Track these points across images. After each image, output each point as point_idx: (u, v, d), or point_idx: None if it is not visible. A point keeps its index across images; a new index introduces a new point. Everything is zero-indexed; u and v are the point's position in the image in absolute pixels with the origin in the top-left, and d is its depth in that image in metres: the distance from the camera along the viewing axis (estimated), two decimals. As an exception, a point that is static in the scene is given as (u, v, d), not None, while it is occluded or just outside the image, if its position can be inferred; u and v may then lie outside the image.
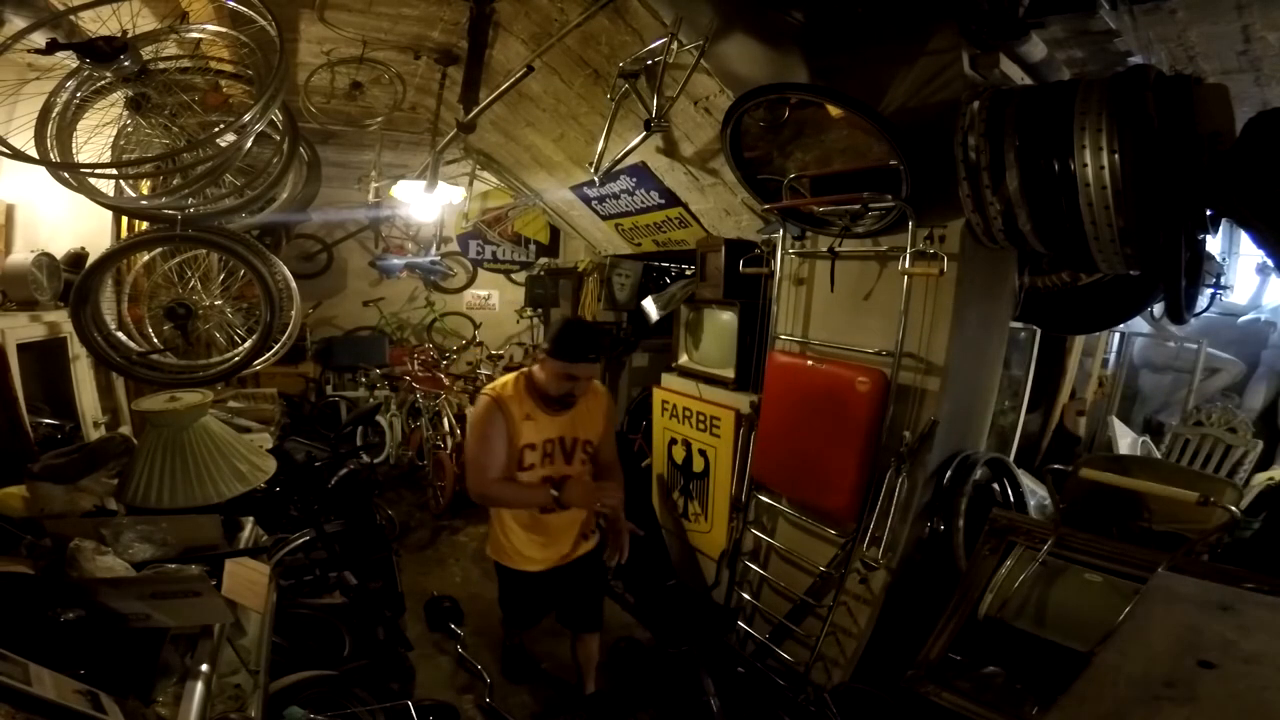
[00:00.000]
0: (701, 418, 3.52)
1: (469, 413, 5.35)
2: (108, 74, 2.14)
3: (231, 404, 4.00)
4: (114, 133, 2.33)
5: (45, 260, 3.04)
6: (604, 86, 3.42)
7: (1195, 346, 4.41)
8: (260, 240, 2.83)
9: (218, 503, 2.11)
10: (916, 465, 2.53)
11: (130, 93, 2.22)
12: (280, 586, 2.57)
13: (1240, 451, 3.74)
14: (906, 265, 2.41)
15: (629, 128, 3.44)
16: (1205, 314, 3.65)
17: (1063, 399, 4.17)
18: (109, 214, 3.41)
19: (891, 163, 2.34)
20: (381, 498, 4.89)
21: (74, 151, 2.27)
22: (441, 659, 3.24)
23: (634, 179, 4.34)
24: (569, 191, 5.17)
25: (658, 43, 2.85)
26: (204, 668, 1.47)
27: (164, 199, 2.38)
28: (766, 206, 2.85)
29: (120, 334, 2.64)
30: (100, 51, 2.01)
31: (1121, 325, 3.96)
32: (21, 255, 3.01)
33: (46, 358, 3.11)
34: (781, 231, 2.97)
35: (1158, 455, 3.94)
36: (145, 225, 2.80)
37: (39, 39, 2.08)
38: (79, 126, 2.29)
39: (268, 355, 2.75)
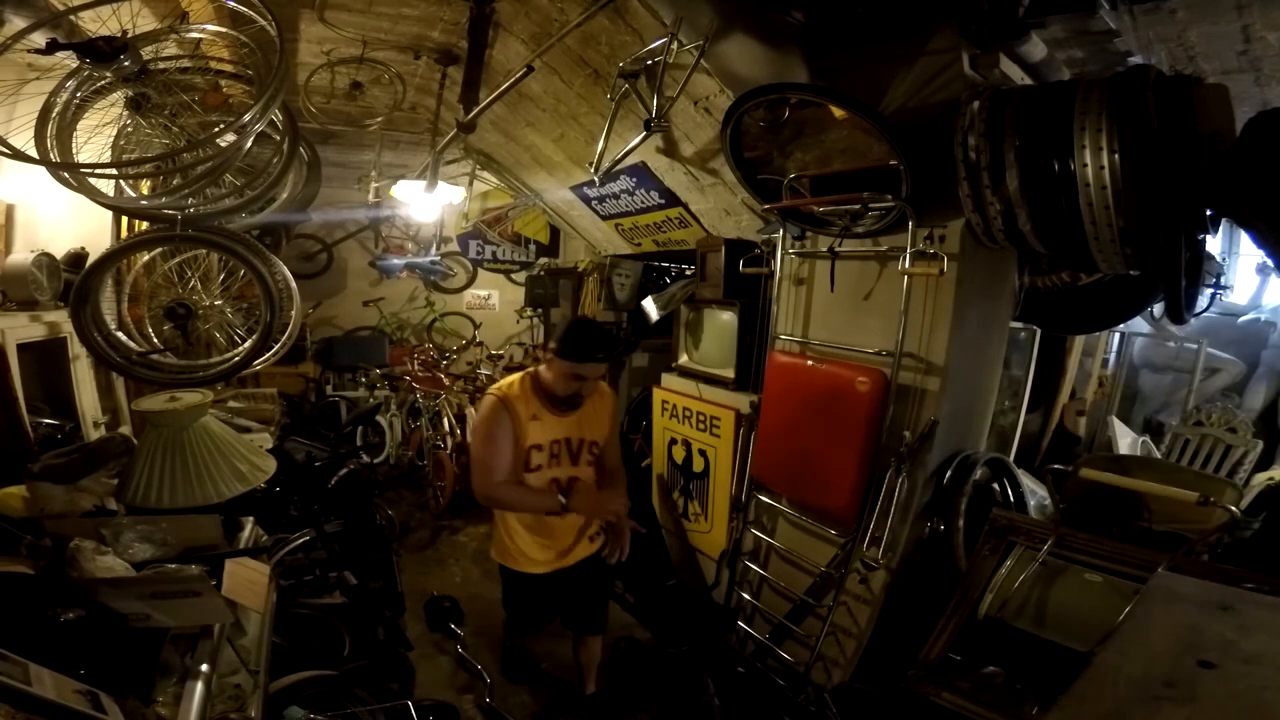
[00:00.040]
0: (701, 418, 3.52)
1: (469, 413, 5.42)
2: (108, 74, 2.14)
3: (231, 404, 4.00)
4: (114, 133, 2.33)
5: (45, 260, 3.04)
6: (604, 86, 3.42)
7: (1195, 346, 4.41)
8: (260, 240, 2.83)
9: (218, 503, 2.11)
10: (916, 465, 2.53)
11: (130, 93, 2.22)
12: (280, 586, 2.56)
13: (1240, 451, 3.74)
14: (906, 265, 2.41)
15: (629, 128, 3.45)
16: (1205, 314, 3.65)
17: (1063, 399, 4.17)
18: (109, 214, 3.41)
19: (891, 163, 2.34)
20: (381, 498, 4.89)
21: (74, 151, 2.27)
22: (441, 659, 3.24)
23: (634, 179, 4.34)
24: (569, 191, 5.17)
25: (658, 43, 2.85)
26: (204, 668, 1.47)
27: (164, 199, 2.38)
28: (766, 206, 2.85)
29: (120, 334, 2.64)
30: (100, 51, 2.01)
31: (1121, 325, 3.96)
32: (21, 255, 3.01)
33: (46, 358, 3.11)
34: (781, 231, 2.97)
35: (1158, 455, 3.94)
36: (145, 225, 2.80)
37: (39, 39, 2.08)
38: (79, 126, 2.28)
39: (268, 355, 2.75)
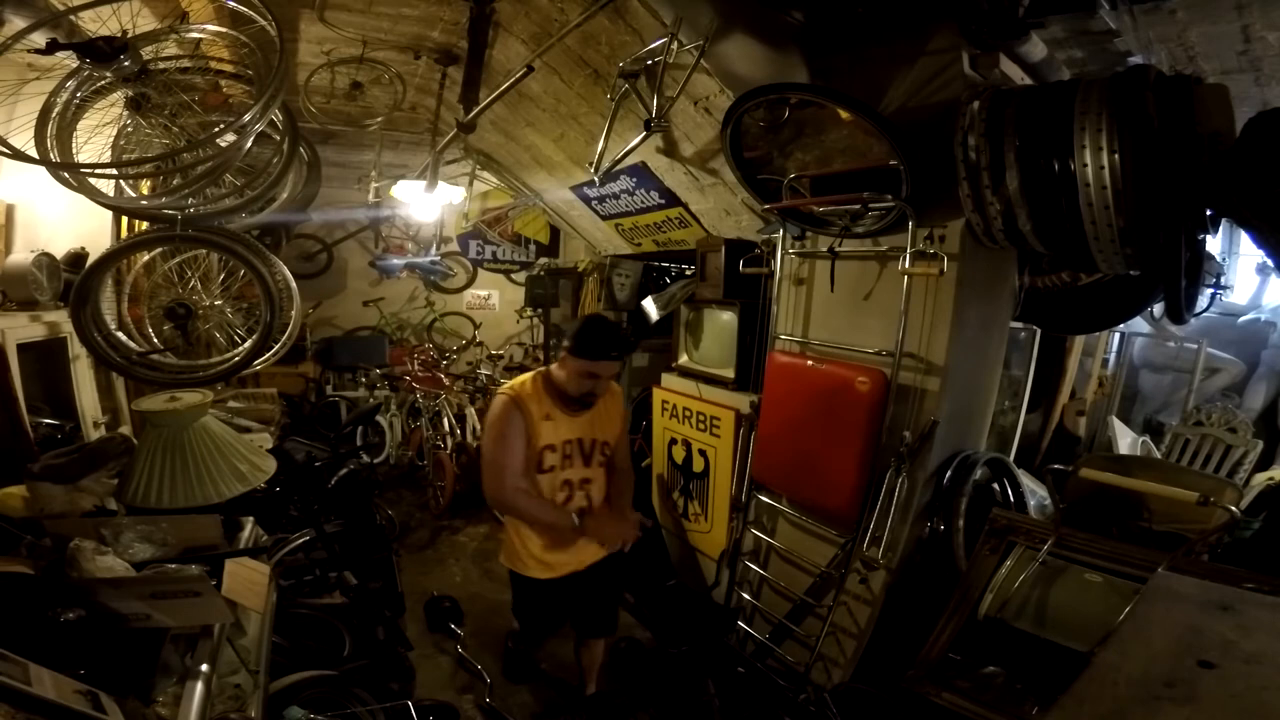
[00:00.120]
0: (701, 418, 3.52)
1: (469, 413, 5.43)
2: (108, 74, 2.14)
3: (231, 404, 4.01)
4: (114, 133, 2.33)
5: (45, 260, 3.04)
6: (604, 86, 3.42)
7: (1195, 346, 4.41)
8: (260, 240, 2.82)
9: (218, 503, 2.11)
10: (916, 465, 2.53)
11: (130, 93, 2.22)
12: (280, 586, 2.57)
13: (1240, 451, 3.74)
14: (906, 265, 2.41)
15: (629, 128, 3.45)
16: (1205, 314, 3.66)
17: (1063, 399, 4.17)
18: (109, 214, 3.41)
19: (891, 163, 2.34)
20: (381, 498, 4.89)
21: (74, 151, 2.27)
22: (441, 659, 3.24)
23: (634, 179, 4.34)
24: (569, 191, 5.17)
25: (658, 43, 2.85)
26: (204, 668, 1.48)
27: (164, 199, 2.38)
28: (766, 206, 2.85)
29: (120, 334, 2.64)
30: (100, 51, 2.01)
31: (1121, 325, 3.96)
32: (21, 255, 3.01)
33: (46, 358, 3.11)
34: (781, 231, 2.97)
35: (1158, 455, 3.94)
36: (145, 225, 2.80)
37: (39, 39, 2.09)
38: (79, 126, 2.29)
39: (268, 355, 2.75)
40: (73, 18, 2.23)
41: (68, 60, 2.13)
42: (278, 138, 2.53)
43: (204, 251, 2.80)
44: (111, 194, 2.48)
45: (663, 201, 4.35)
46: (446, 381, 5.67)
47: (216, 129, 2.30)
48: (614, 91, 3.27)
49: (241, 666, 1.67)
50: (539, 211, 6.70)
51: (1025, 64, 2.40)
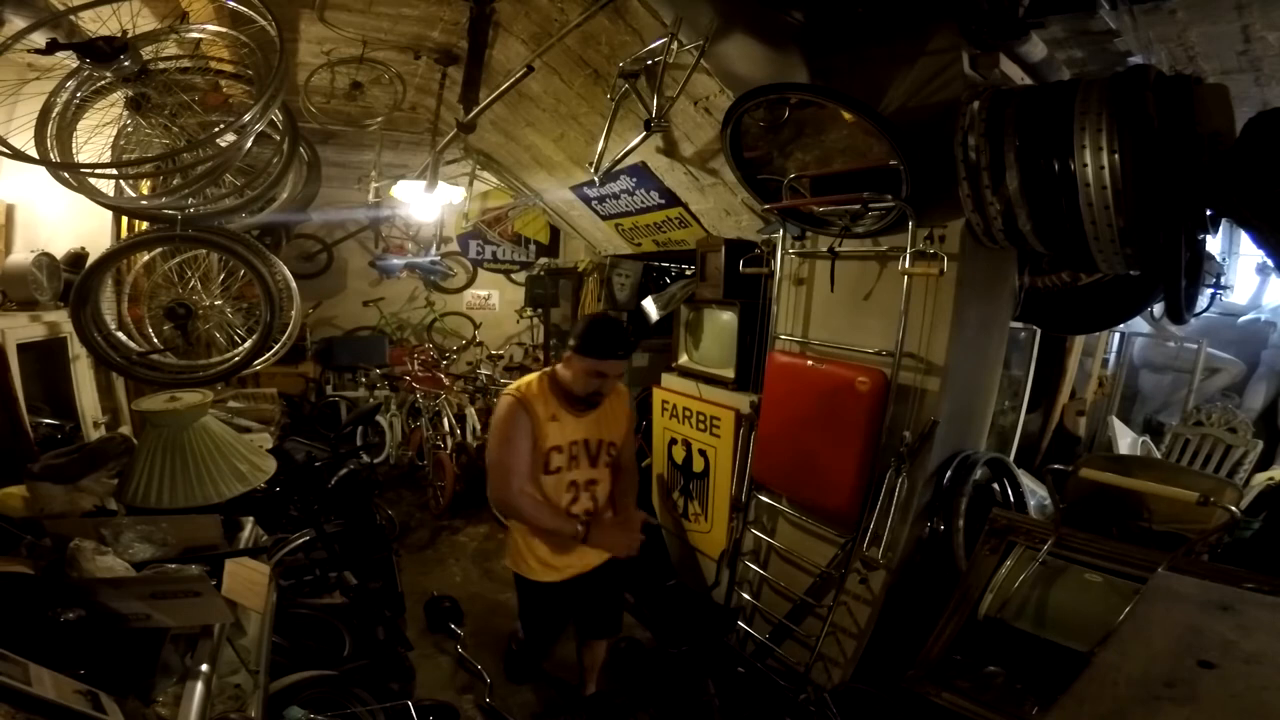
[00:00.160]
0: (701, 418, 3.52)
1: (469, 413, 5.43)
2: (108, 74, 2.14)
3: (231, 404, 4.01)
4: (114, 133, 2.33)
5: (45, 260, 3.04)
6: (604, 86, 3.42)
7: (1195, 346, 4.41)
8: (260, 240, 2.82)
9: (218, 503, 2.11)
10: (916, 465, 2.53)
11: (130, 93, 2.22)
12: (280, 586, 2.57)
13: (1240, 451, 3.74)
14: (906, 265, 2.41)
15: (629, 128, 3.45)
16: (1205, 314, 3.65)
17: (1063, 399, 4.17)
18: (109, 214, 3.41)
19: (891, 163, 2.34)
20: (381, 498, 4.89)
21: (74, 151, 2.27)
22: (441, 659, 3.24)
23: (634, 179, 4.34)
24: (569, 191, 5.17)
25: (658, 43, 2.85)
26: (204, 668, 1.48)
27: (164, 199, 2.38)
28: (766, 206, 2.85)
29: (120, 334, 2.64)
30: (100, 51, 2.01)
31: (1121, 325, 3.96)
32: (21, 255, 3.01)
33: (46, 358, 3.11)
34: (781, 231, 2.97)
35: (1158, 455, 3.94)
36: (145, 225, 2.80)
37: (39, 39, 2.09)
38: (79, 126, 2.29)
39: (268, 355, 2.75)
40: (73, 18, 2.23)
41: (68, 60, 2.13)
42: (278, 138, 2.53)
43: (204, 251, 2.80)
44: (111, 194, 2.48)
45: (663, 201, 4.35)
46: (446, 381, 5.67)
47: (216, 129, 2.30)
48: (614, 91, 3.27)
49: (241, 666, 1.67)
50: (539, 211, 6.71)
51: (1025, 64, 2.40)
